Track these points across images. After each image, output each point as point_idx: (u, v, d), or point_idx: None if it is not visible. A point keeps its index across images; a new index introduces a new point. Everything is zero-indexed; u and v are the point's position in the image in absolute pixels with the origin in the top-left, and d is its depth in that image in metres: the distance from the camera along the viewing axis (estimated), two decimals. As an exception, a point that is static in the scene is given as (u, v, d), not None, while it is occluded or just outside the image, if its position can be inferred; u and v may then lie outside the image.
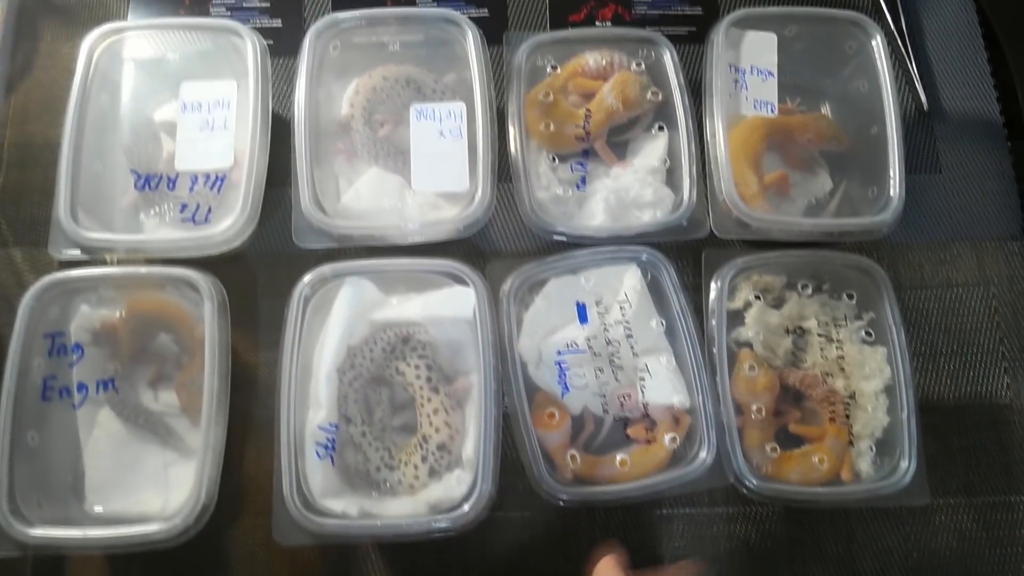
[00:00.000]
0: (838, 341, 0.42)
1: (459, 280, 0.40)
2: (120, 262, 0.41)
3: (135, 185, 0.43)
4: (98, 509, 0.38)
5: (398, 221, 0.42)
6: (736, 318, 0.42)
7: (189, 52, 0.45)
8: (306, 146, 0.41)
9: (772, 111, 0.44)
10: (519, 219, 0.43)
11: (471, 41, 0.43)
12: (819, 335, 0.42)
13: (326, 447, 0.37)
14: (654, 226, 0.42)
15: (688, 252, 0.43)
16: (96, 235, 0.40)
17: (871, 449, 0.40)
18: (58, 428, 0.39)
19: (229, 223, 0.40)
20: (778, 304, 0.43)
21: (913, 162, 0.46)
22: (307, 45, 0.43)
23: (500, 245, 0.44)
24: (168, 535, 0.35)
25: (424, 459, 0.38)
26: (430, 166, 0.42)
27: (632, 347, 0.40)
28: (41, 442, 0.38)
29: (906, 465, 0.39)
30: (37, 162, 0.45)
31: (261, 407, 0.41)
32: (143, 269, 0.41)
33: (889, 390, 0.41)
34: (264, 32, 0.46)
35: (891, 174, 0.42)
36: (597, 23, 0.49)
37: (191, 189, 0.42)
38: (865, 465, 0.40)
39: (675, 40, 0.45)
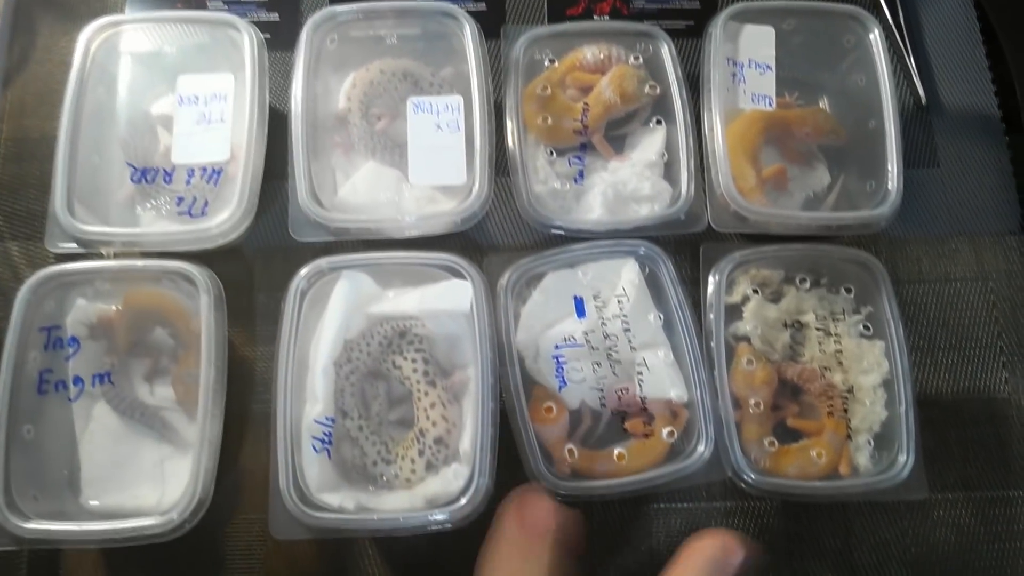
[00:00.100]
0: (836, 335, 0.42)
1: (456, 274, 0.40)
2: (116, 255, 0.41)
3: (131, 178, 0.42)
4: (94, 503, 0.38)
5: (395, 214, 0.42)
6: (734, 312, 0.42)
7: (186, 45, 0.44)
8: (303, 140, 0.41)
9: (770, 105, 0.44)
10: (516, 213, 0.43)
11: (468, 35, 0.43)
12: (817, 329, 0.42)
13: (323, 441, 0.37)
14: (652, 220, 0.42)
15: (686, 246, 0.43)
16: (92, 228, 0.40)
17: (869, 443, 0.40)
18: (54, 422, 0.38)
19: (225, 216, 0.40)
20: (776, 298, 0.43)
21: (911, 156, 0.46)
22: (304, 39, 0.43)
23: (497, 239, 0.44)
24: (164, 529, 0.35)
25: (421, 453, 0.38)
26: (427, 160, 0.42)
27: (630, 341, 0.40)
28: (37, 436, 0.38)
29: (904, 459, 0.38)
30: (33, 156, 0.45)
31: (257, 401, 0.41)
32: (139, 262, 0.40)
33: (887, 384, 0.40)
34: (261, 26, 0.46)
35: (889, 168, 0.42)
36: (595, 17, 0.48)
37: (187, 182, 0.42)
38: (863, 459, 0.40)
39: (673, 34, 0.45)
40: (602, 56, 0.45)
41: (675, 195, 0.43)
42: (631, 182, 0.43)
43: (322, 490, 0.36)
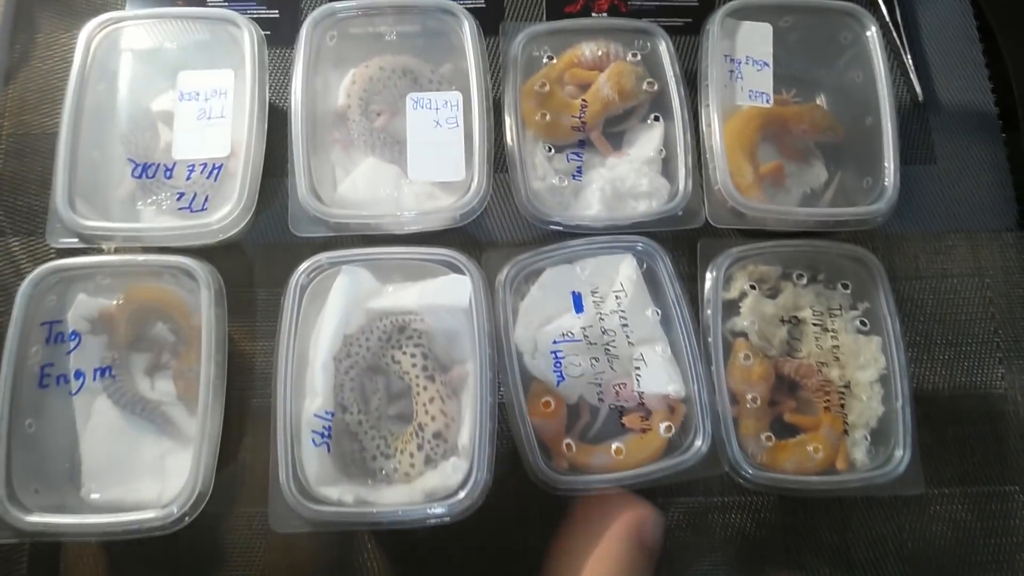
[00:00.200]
0: (833, 331, 0.42)
1: (455, 269, 0.40)
2: (117, 251, 0.41)
3: (132, 174, 0.43)
4: (95, 496, 0.38)
5: (394, 210, 0.42)
6: (731, 308, 0.42)
7: (187, 42, 0.45)
8: (303, 136, 0.41)
9: (767, 101, 0.44)
10: (515, 209, 0.43)
11: (467, 31, 0.43)
12: (814, 325, 0.42)
13: (322, 435, 0.37)
14: (650, 216, 0.42)
15: (683, 242, 0.43)
16: (93, 223, 0.40)
17: (866, 438, 0.40)
18: (55, 416, 0.39)
19: (226, 212, 0.40)
20: (773, 294, 0.43)
21: (908, 153, 0.46)
22: (304, 35, 0.43)
23: (496, 234, 0.45)
24: (164, 522, 0.35)
25: (420, 447, 0.38)
26: (426, 156, 0.42)
27: (627, 336, 0.41)
28: (38, 429, 0.38)
29: (901, 454, 0.39)
30: (35, 151, 0.45)
31: (257, 395, 0.41)
32: (140, 257, 0.41)
33: (884, 380, 0.41)
34: (261, 22, 0.46)
35: (886, 164, 0.43)
36: (593, 14, 0.49)
37: (188, 178, 0.42)
38: (860, 454, 0.40)
39: (671, 31, 0.45)
40: (600, 53, 0.45)
41: (673, 191, 0.43)
42: (629, 178, 0.43)
43: (321, 484, 0.37)
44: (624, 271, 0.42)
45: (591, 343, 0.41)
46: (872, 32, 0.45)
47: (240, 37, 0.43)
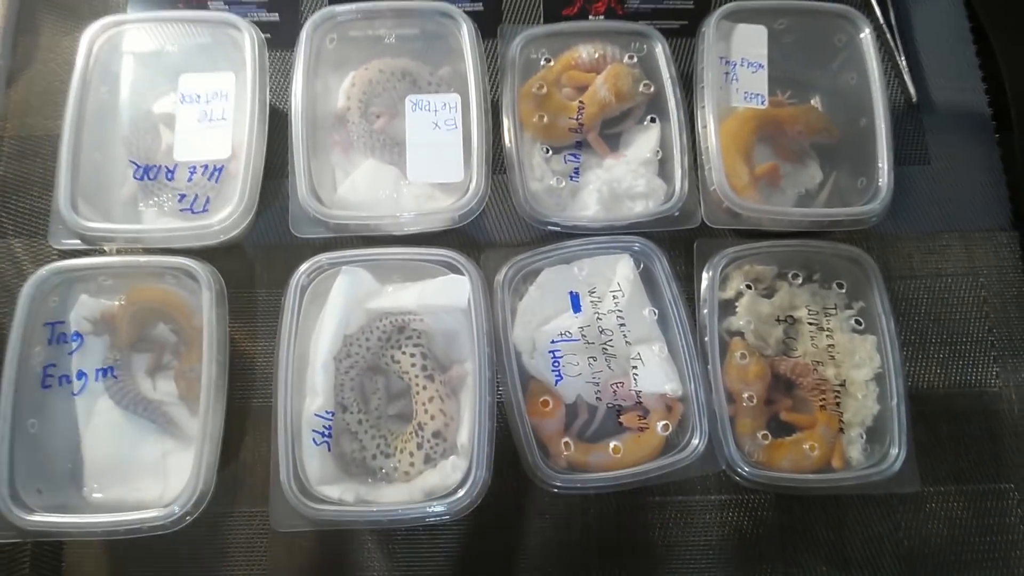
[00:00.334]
0: (828, 330, 0.42)
1: (454, 269, 0.41)
2: (119, 252, 0.42)
3: (134, 176, 0.43)
4: (97, 496, 0.38)
5: (394, 211, 0.42)
6: (728, 307, 0.43)
7: (188, 45, 0.45)
8: (303, 138, 0.41)
9: (762, 103, 0.45)
10: (513, 209, 0.44)
11: (466, 34, 0.44)
12: (810, 324, 0.42)
13: (322, 434, 0.38)
14: (646, 216, 0.42)
15: (680, 242, 0.44)
16: (95, 225, 0.40)
17: (861, 437, 0.40)
18: (58, 416, 0.39)
19: (227, 213, 0.40)
20: (769, 293, 0.43)
21: (902, 154, 0.46)
22: (304, 38, 0.43)
23: (494, 235, 0.45)
24: (166, 522, 0.36)
25: (419, 446, 0.38)
26: (425, 157, 0.43)
27: (625, 336, 0.41)
28: (41, 429, 0.38)
29: (896, 453, 0.39)
30: (37, 154, 0.46)
31: (258, 395, 0.41)
32: (142, 259, 0.41)
33: (879, 378, 0.41)
34: (262, 25, 0.46)
35: (880, 165, 0.43)
36: (590, 17, 0.49)
37: (189, 180, 0.43)
38: (856, 452, 0.40)
39: (667, 33, 0.46)
40: (597, 55, 0.45)
41: (669, 192, 0.44)
42: (626, 179, 0.44)
43: (322, 483, 0.37)
44: (621, 271, 0.42)
45: (589, 343, 0.41)
46: (866, 34, 0.45)
47: (241, 40, 0.44)
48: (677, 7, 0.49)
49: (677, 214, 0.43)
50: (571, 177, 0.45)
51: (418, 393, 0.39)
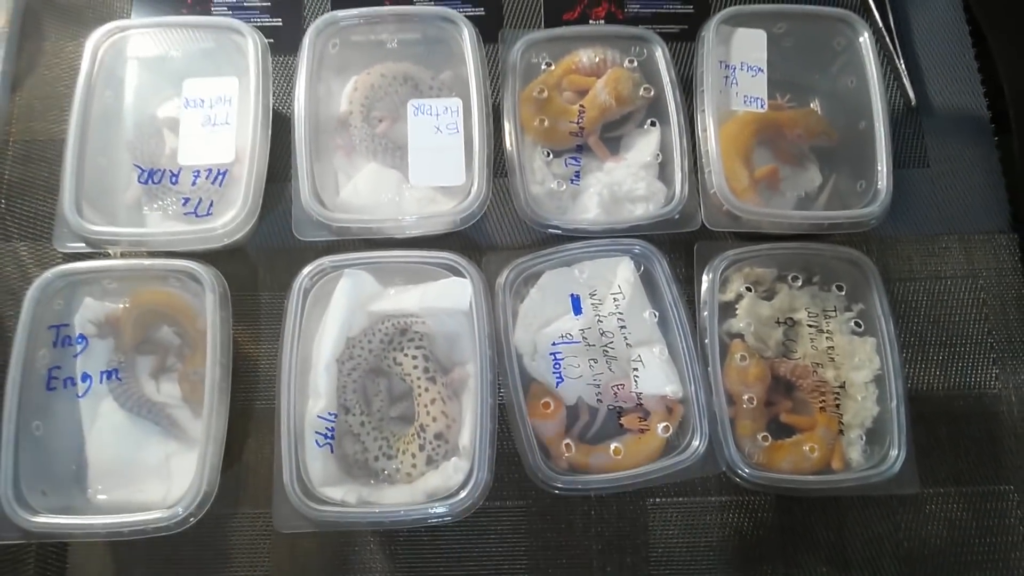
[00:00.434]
0: (828, 332, 0.42)
1: (456, 272, 0.41)
2: (123, 255, 0.42)
3: (138, 180, 0.43)
4: (101, 497, 0.39)
5: (396, 215, 0.43)
6: (728, 310, 0.43)
7: (191, 50, 0.45)
8: (306, 142, 0.42)
9: (762, 107, 0.45)
10: (514, 213, 0.44)
11: (467, 39, 0.44)
12: (809, 326, 0.42)
13: (325, 436, 0.38)
14: (647, 219, 0.43)
15: (680, 245, 0.44)
16: (100, 228, 0.41)
17: (861, 438, 0.41)
18: (62, 417, 0.39)
19: (230, 217, 0.41)
20: (769, 296, 0.44)
21: (902, 157, 0.47)
22: (307, 43, 0.44)
23: (496, 238, 0.45)
24: (170, 523, 0.36)
25: (422, 448, 0.39)
26: (427, 161, 0.43)
27: (625, 338, 0.41)
28: (45, 431, 0.39)
29: (895, 454, 0.39)
30: (42, 158, 0.46)
31: (262, 397, 0.42)
32: (146, 262, 0.41)
33: (879, 380, 0.41)
34: (265, 30, 0.47)
35: (879, 168, 0.43)
36: (591, 21, 0.49)
37: (193, 183, 0.43)
38: (855, 454, 0.40)
39: (667, 37, 0.46)
40: (597, 60, 0.46)
41: (669, 195, 0.44)
42: (626, 182, 0.44)
43: (325, 484, 0.37)
44: (622, 274, 0.42)
45: (590, 345, 0.41)
46: (865, 38, 0.46)
47: (244, 45, 0.44)
48: (677, 11, 0.50)
49: (677, 217, 0.43)
50: (572, 180, 0.45)
51: (420, 395, 0.40)
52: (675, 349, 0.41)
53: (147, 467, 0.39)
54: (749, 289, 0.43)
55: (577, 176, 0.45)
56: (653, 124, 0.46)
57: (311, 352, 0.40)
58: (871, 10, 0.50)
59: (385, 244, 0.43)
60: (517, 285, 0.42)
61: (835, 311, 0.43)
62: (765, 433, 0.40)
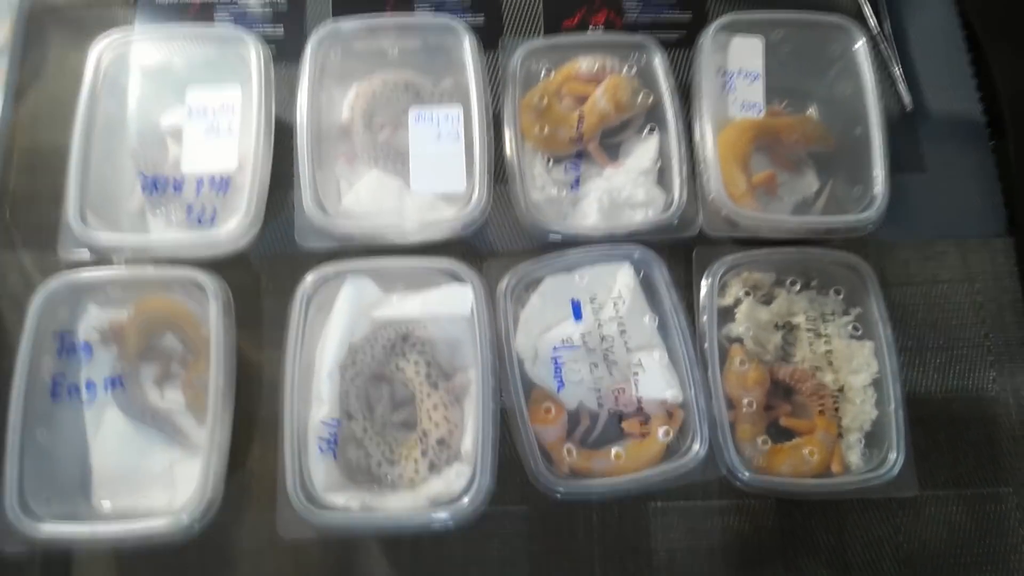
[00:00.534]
0: (826, 336, 0.43)
1: (457, 278, 0.41)
2: (127, 263, 0.42)
3: (142, 188, 0.44)
4: (106, 505, 0.39)
5: (397, 221, 0.43)
6: (727, 314, 0.43)
7: (195, 59, 0.46)
8: (308, 149, 0.42)
9: (759, 113, 0.46)
10: (515, 219, 0.44)
11: (467, 47, 0.45)
12: (808, 330, 0.43)
13: (328, 442, 0.38)
14: (646, 225, 0.43)
15: (679, 250, 0.44)
16: (104, 237, 0.41)
17: (860, 442, 0.41)
18: (67, 425, 0.40)
19: (234, 224, 0.41)
20: (767, 300, 0.44)
21: (898, 161, 0.47)
22: (309, 52, 0.44)
23: (497, 244, 0.46)
24: (174, 531, 0.36)
25: (424, 454, 0.39)
26: (428, 168, 0.43)
27: (626, 343, 0.41)
28: (50, 439, 0.39)
29: (894, 457, 0.39)
30: (46, 167, 0.46)
31: (265, 404, 0.42)
32: (150, 270, 0.42)
33: (877, 384, 0.41)
34: (267, 39, 0.47)
35: (876, 173, 0.44)
36: (590, 29, 0.50)
37: (197, 192, 0.43)
38: (855, 457, 0.41)
39: (665, 45, 0.46)
40: (597, 67, 0.46)
41: (668, 201, 0.44)
42: (626, 189, 0.44)
43: (328, 490, 0.37)
44: (622, 279, 0.43)
45: (590, 350, 0.41)
46: (861, 44, 0.46)
47: (247, 54, 0.45)
48: (675, 19, 0.50)
49: (676, 222, 0.43)
50: (572, 187, 0.45)
51: (422, 401, 0.40)
52: (675, 354, 0.41)
53: (151, 475, 0.40)
54: (748, 294, 0.43)
55: (577, 182, 0.46)
56: (652, 130, 0.46)
57: (314, 359, 0.40)
58: (867, 16, 0.50)
59: (387, 251, 0.43)
60: (518, 291, 0.43)
61: (833, 315, 0.43)
62: (765, 437, 0.41)
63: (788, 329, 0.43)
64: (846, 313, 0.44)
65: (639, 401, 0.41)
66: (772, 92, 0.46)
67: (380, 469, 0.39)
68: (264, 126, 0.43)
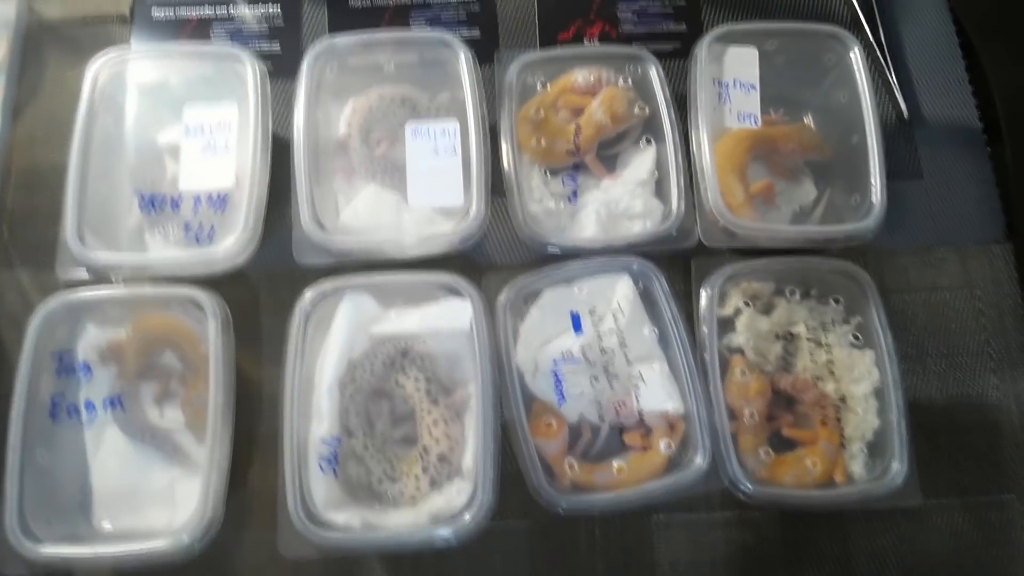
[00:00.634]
0: (827, 345, 0.43)
1: (456, 293, 0.41)
2: (125, 282, 0.42)
3: (140, 206, 0.44)
4: (106, 526, 0.39)
5: (395, 236, 0.43)
6: (727, 325, 0.43)
7: (191, 77, 0.46)
8: (305, 165, 0.42)
9: (755, 123, 0.46)
10: (513, 232, 0.44)
11: (463, 61, 0.45)
12: (808, 340, 0.43)
13: (329, 460, 0.38)
14: (644, 236, 0.43)
15: (678, 261, 0.44)
16: (102, 255, 0.41)
17: (863, 451, 0.41)
18: (66, 446, 0.39)
19: (231, 242, 0.41)
20: (767, 310, 0.44)
21: (895, 169, 0.47)
22: (305, 68, 0.44)
23: (495, 258, 0.45)
24: (175, 551, 0.36)
25: (425, 470, 0.39)
26: (426, 182, 0.43)
27: (626, 355, 0.41)
28: (50, 460, 0.39)
29: (898, 466, 0.39)
30: (43, 185, 0.46)
31: (265, 422, 0.42)
32: (148, 288, 0.42)
33: (878, 392, 0.41)
34: (264, 56, 0.47)
35: (873, 182, 0.44)
36: (585, 41, 0.50)
37: (194, 209, 0.43)
38: (858, 467, 0.40)
39: (660, 56, 0.47)
40: (592, 79, 0.46)
41: (666, 212, 0.44)
42: (623, 200, 0.44)
43: (329, 508, 0.37)
44: (621, 291, 0.42)
45: (590, 362, 0.41)
46: (855, 53, 0.46)
47: (243, 71, 0.45)
48: (670, 30, 0.50)
49: (674, 233, 0.43)
50: (569, 199, 0.45)
51: (422, 417, 0.40)
52: (675, 365, 0.41)
53: (152, 494, 0.39)
54: (747, 304, 0.43)
55: (575, 195, 0.46)
56: (649, 142, 0.46)
57: (313, 375, 0.40)
58: (861, 25, 0.50)
59: (385, 266, 0.43)
60: (517, 304, 0.42)
61: (833, 324, 0.43)
62: (767, 448, 0.40)
63: (789, 339, 0.43)
64: (846, 322, 0.43)
65: (640, 414, 0.40)
66: (768, 102, 0.46)
67: (381, 486, 0.39)
68: (261, 143, 0.43)
